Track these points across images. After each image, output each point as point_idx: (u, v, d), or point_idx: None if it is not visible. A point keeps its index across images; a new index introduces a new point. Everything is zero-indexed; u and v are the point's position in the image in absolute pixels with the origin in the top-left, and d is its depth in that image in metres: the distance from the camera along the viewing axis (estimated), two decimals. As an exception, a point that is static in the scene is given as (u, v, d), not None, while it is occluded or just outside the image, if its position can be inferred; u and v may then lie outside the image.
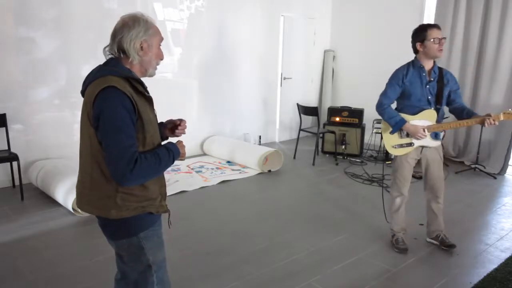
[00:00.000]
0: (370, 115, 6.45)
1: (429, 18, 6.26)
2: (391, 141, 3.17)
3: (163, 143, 1.75)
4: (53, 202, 4.01)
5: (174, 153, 1.68)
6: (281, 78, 7.05)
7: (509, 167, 5.51)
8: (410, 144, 3.12)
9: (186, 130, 1.91)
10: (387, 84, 3.17)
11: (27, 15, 4.36)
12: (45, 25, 4.49)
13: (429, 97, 3.06)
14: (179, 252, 3.14)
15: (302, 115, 6.10)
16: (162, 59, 1.72)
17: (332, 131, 6.09)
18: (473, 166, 5.56)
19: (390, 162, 3.21)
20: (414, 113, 3.08)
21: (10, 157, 4.13)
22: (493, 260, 3.18)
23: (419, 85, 3.05)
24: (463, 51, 5.80)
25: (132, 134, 1.53)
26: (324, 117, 6.85)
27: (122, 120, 1.50)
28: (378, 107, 3.16)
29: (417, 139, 3.08)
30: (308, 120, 7.10)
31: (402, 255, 3.23)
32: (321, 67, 7.70)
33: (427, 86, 3.05)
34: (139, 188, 1.61)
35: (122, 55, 1.62)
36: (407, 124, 3.05)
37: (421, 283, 2.85)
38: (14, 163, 4.24)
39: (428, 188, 3.29)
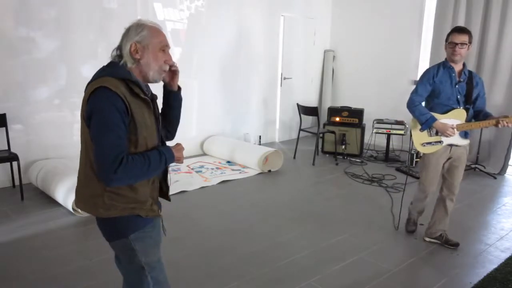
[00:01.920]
0: (370, 115, 6.47)
1: (429, 18, 6.26)
2: (420, 139, 3.21)
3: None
4: (53, 202, 4.01)
5: (167, 156, 1.66)
6: (281, 78, 7.04)
7: (509, 167, 5.52)
8: (439, 142, 3.17)
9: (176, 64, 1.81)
10: (418, 82, 3.23)
11: (27, 15, 4.36)
12: (45, 25, 4.49)
13: (458, 97, 3.13)
14: (179, 252, 3.14)
15: (302, 115, 6.09)
16: (169, 63, 1.68)
17: (332, 131, 6.09)
18: (473, 166, 5.56)
19: (418, 159, 3.31)
20: (444, 111, 3.15)
21: (10, 157, 4.13)
22: (493, 260, 3.18)
23: (448, 84, 3.12)
24: (463, 51, 5.79)
25: (120, 135, 1.53)
26: (324, 117, 6.85)
27: (111, 120, 1.51)
28: (409, 105, 3.20)
29: (446, 136, 3.13)
30: (308, 120, 7.10)
31: (401, 255, 3.23)
32: (321, 67, 7.70)
33: (456, 86, 3.13)
34: (127, 189, 1.62)
35: (118, 60, 1.64)
36: (437, 122, 3.10)
37: (421, 283, 2.85)
38: (14, 163, 4.24)
39: (446, 186, 3.32)
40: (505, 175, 5.46)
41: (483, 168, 5.51)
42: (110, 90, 1.52)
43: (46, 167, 4.23)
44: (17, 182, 4.32)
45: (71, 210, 3.75)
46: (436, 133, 3.16)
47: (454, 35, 3.06)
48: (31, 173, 4.35)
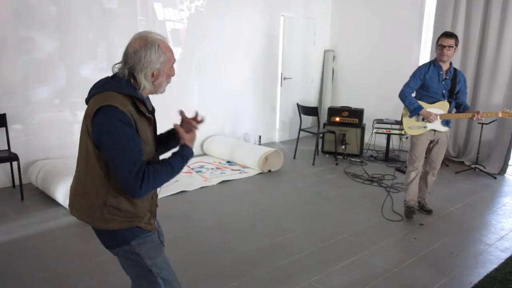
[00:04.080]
0: (370, 115, 6.46)
1: (429, 18, 6.26)
2: (409, 123, 3.83)
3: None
4: (53, 202, 4.01)
5: (189, 158, 1.69)
6: (281, 78, 7.04)
7: (509, 167, 5.51)
8: (424, 127, 3.77)
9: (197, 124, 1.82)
10: (410, 76, 3.82)
11: (27, 15, 4.36)
12: (45, 25, 4.49)
13: (444, 91, 3.73)
14: (179, 252, 3.14)
15: (302, 115, 6.09)
16: (173, 76, 1.71)
17: (332, 131, 6.08)
18: (473, 166, 5.56)
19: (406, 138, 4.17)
20: (431, 102, 3.75)
21: (10, 157, 4.13)
22: (493, 260, 3.18)
23: (436, 81, 3.71)
24: (463, 51, 5.79)
25: (135, 148, 1.53)
26: (324, 117, 6.85)
27: (124, 138, 1.51)
28: (400, 94, 3.82)
29: (430, 122, 3.72)
30: (308, 120, 7.10)
31: (401, 255, 3.23)
32: (321, 67, 7.70)
33: (443, 82, 3.71)
34: (127, 204, 1.62)
35: (132, 80, 1.60)
36: (423, 110, 3.71)
37: (421, 283, 2.85)
38: (14, 163, 4.24)
39: (429, 163, 3.95)
40: (505, 175, 5.46)
41: (483, 168, 5.51)
42: (117, 108, 1.51)
43: (46, 167, 4.23)
44: (17, 182, 4.31)
45: (71, 210, 3.75)
46: (422, 119, 3.76)
47: (443, 38, 3.61)
48: (31, 173, 4.35)
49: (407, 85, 3.79)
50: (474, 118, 3.57)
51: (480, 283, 2.84)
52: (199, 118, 1.82)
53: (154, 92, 1.69)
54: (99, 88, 1.60)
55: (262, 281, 2.81)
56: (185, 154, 1.68)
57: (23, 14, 4.33)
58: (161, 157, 1.75)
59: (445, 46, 3.58)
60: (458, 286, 2.84)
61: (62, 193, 3.81)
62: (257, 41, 6.56)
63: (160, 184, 1.60)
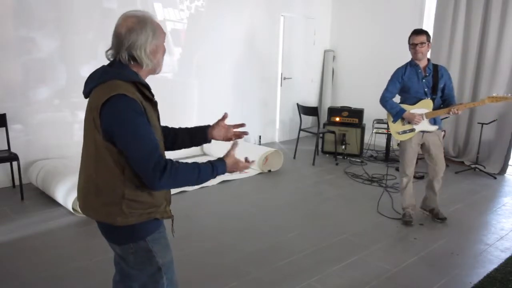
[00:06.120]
0: (370, 115, 6.46)
1: (429, 18, 6.26)
2: (396, 129, 3.70)
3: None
4: (53, 202, 4.01)
5: (219, 172, 1.66)
6: (281, 78, 7.04)
7: (509, 167, 5.51)
8: (412, 130, 3.62)
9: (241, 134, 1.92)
10: (388, 81, 3.72)
11: (27, 15, 4.36)
12: (45, 25, 4.49)
13: (426, 89, 3.58)
14: (178, 252, 3.12)
15: (302, 115, 6.10)
16: (165, 52, 1.69)
17: (332, 131, 6.09)
18: (473, 166, 5.56)
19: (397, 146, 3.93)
20: (413, 103, 3.62)
21: (10, 157, 4.13)
22: (493, 260, 3.18)
23: (416, 80, 3.58)
24: (463, 51, 5.80)
25: (151, 137, 1.48)
26: (324, 117, 6.85)
27: (139, 128, 1.46)
28: (381, 100, 3.72)
29: (415, 124, 3.58)
30: (308, 120, 7.10)
31: (401, 255, 3.23)
32: (321, 67, 7.70)
33: (423, 80, 3.58)
34: (145, 195, 1.58)
35: (132, 62, 1.56)
36: (406, 113, 3.59)
37: (421, 283, 2.85)
38: (14, 163, 4.24)
39: (430, 170, 3.77)
40: (505, 175, 5.45)
41: (483, 168, 5.51)
42: (127, 97, 1.46)
43: (46, 167, 4.23)
44: (17, 182, 4.31)
45: (71, 210, 3.75)
46: (409, 122, 3.61)
47: (413, 37, 3.53)
48: (31, 173, 4.35)
49: (386, 90, 3.69)
50: (451, 113, 3.46)
51: (480, 283, 2.84)
52: (237, 129, 1.87)
53: (153, 71, 1.64)
54: (100, 78, 1.53)
55: (262, 281, 2.81)
56: (217, 167, 1.65)
57: (23, 14, 4.33)
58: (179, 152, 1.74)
59: (417, 44, 3.49)
60: (458, 286, 2.84)
61: (62, 193, 3.82)
62: (257, 41, 6.56)
63: (181, 183, 1.55)
